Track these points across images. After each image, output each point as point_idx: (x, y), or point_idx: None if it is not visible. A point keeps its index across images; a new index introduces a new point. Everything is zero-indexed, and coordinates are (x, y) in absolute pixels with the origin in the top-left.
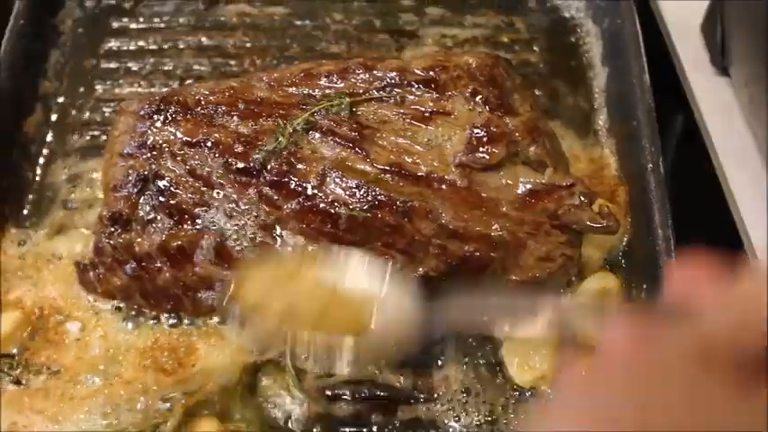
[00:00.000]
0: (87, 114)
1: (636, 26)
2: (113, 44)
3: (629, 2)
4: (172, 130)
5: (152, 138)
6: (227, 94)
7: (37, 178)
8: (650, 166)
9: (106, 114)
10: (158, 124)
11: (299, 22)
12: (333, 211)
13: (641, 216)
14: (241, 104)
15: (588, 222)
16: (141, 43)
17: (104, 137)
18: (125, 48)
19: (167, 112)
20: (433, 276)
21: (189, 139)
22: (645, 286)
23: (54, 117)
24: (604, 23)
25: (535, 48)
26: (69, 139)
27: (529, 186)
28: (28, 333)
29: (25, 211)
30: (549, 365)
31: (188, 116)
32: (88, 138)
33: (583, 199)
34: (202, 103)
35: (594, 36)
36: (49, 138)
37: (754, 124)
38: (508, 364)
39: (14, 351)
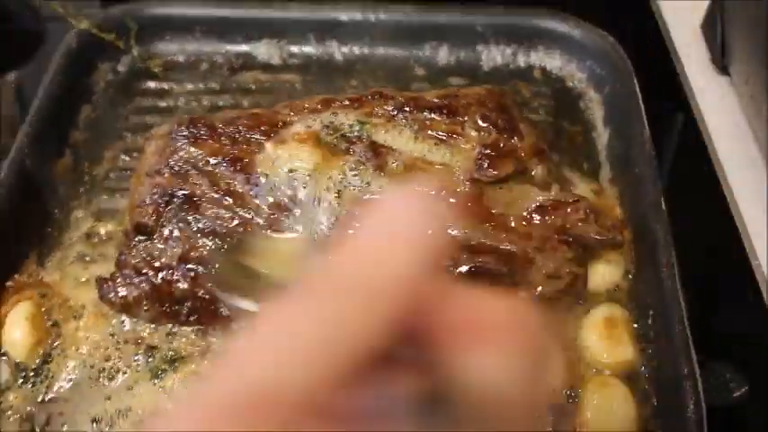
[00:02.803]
0: (115, 161)
1: (636, 90)
2: (142, 102)
3: (627, 67)
4: (198, 149)
5: (178, 156)
6: (252, 118)
7: (63, 215)
8: (652, 203)
9: (133, 160)
10: (185, 144)
11: (315, 87)
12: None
13: (643, 249)
14: (265, 127)
15: (594, 235)
16: (169, 102)
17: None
18: (153, 104)
19: (195, 132)
20: None
21: (214, 157)
22: (651, 312)
23: (84, 163)
24: (605, 90)
25: (540, 111)
26: (97, 181)
27: (536, 203)
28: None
29: (49, 241)
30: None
31: (214, 136)
32: (115, 179)
33: (589, 213)
34: (228, 124)
35: (597, 102)
36: (75, 179)
37: (755, 124)
38: None
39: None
